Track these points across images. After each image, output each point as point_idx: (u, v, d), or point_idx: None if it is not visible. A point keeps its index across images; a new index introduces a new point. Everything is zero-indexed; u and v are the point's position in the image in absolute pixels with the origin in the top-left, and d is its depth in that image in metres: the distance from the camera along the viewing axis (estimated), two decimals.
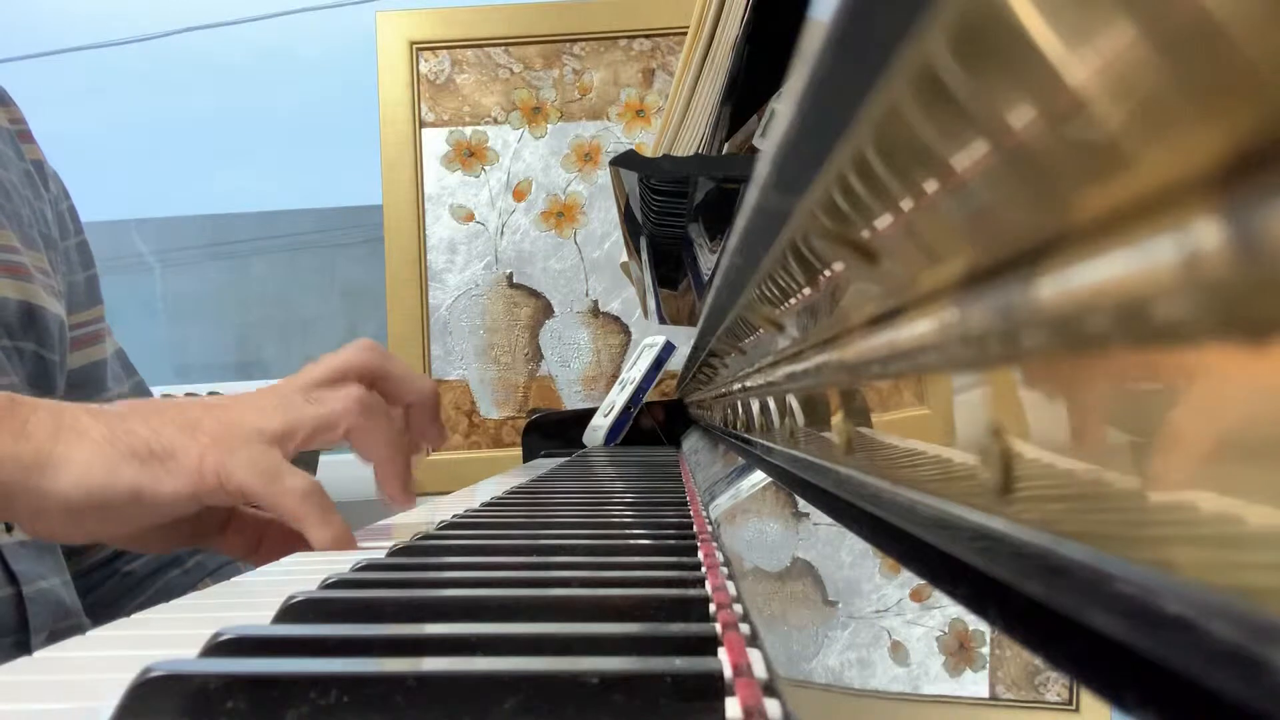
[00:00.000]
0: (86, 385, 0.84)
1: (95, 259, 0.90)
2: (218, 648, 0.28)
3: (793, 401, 0.41)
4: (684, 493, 0.71)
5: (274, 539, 0.62)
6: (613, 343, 1.76)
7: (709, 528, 0.53)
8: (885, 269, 0.23)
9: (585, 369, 1.76)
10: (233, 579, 0.48)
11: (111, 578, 0.84)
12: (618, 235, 1.49)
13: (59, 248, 0.83)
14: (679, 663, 0.25)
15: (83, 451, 0.52)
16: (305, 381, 0.58)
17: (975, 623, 0.20)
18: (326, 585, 0.37)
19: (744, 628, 0.30)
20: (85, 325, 0.86)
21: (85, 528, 0.53)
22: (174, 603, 0.42)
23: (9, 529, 0.70)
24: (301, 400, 0.57)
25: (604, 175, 1.74)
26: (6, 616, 0.68)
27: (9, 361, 0.72)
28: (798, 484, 0.42)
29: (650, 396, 1.48)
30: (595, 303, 1.76)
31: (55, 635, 0.70)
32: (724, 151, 0.77)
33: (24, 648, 0.67)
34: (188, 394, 0.79)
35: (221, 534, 0.62)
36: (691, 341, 0.97)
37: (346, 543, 0.55)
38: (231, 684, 0.24)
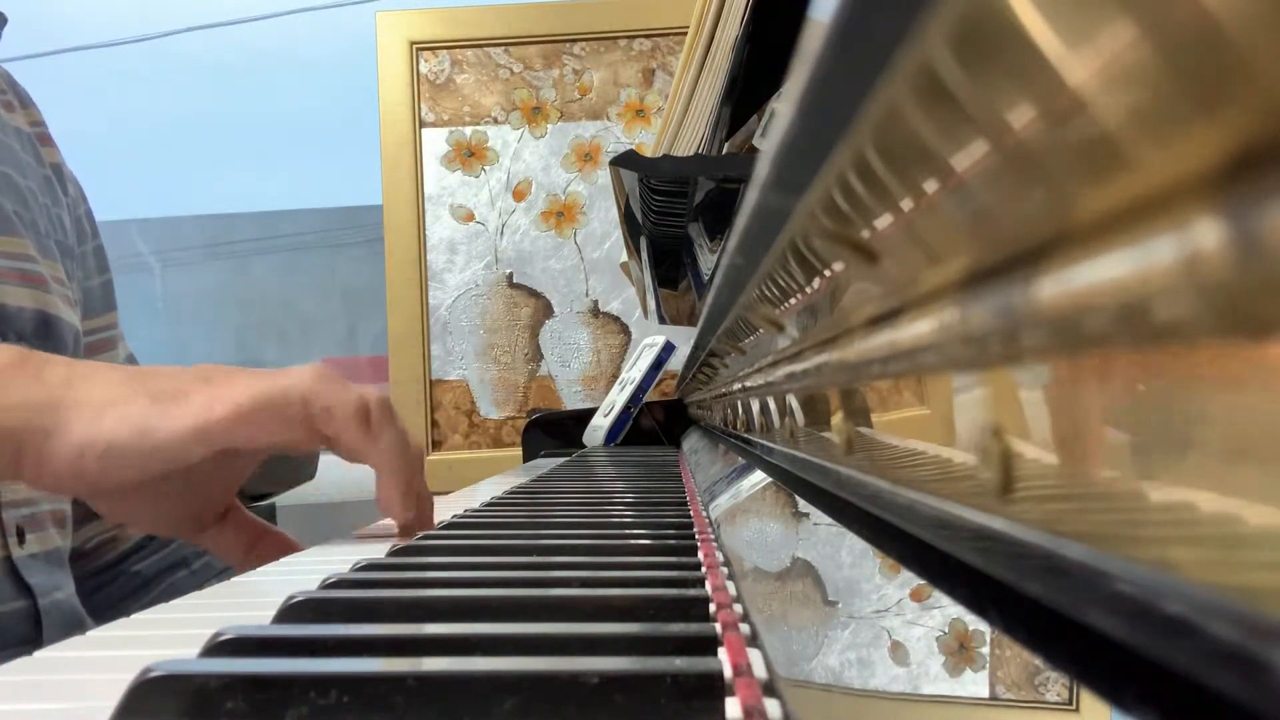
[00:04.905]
0: None
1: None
2: (218, 648, 0.28)
3: (793, 401, 0.41)
4: (684, 493, 0.71)
5: (268, 545, 0.62)
6: (613, 343, 1.76)
7: (709, 528, 0.53)
8: (885, 269, 0.23)
9: (585, 369, 1.76)
10: (232, 579, 0.48)
11: (118, 579, 0.84)
12: (618, 235, 1.50)
13: (75, 254, 0.83)
14: (679, 663, 0.25)
15: (96, 393, 0.52)
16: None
17: (975, 623, 0.20)
18: (326, 585, 0.37)
19: (744, 628, 0.30)
20: (100, 331, 0.86)
21: (89, 476, 0.52)
22: (174, 602, 0.42)
23: (21, 541, 0.70)
24: (335, 375, 0.57)
25: (604, 175, 1.74)
26: (23, 628, 0.68)
27: None
28: (798, 484, 0.42)
29: (650, 396, 1.48)
30: (595, 303, 1.76)
31: None
32: (724, 151, 0.77)
33: None
34: None
35: (220, 524, 0.61)
36: (691, 341, 0.97)
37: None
38: (231, 684, 0.24)
